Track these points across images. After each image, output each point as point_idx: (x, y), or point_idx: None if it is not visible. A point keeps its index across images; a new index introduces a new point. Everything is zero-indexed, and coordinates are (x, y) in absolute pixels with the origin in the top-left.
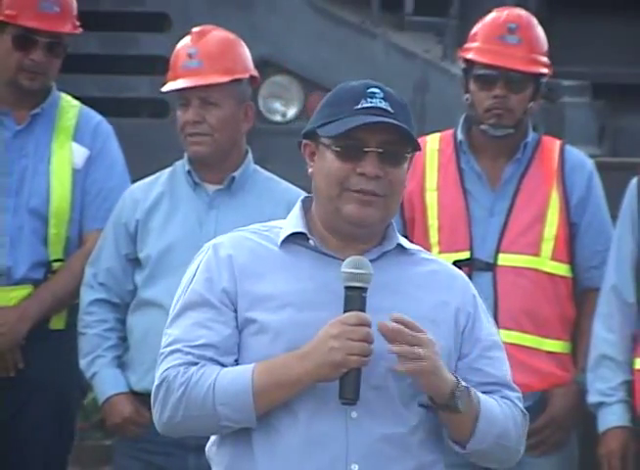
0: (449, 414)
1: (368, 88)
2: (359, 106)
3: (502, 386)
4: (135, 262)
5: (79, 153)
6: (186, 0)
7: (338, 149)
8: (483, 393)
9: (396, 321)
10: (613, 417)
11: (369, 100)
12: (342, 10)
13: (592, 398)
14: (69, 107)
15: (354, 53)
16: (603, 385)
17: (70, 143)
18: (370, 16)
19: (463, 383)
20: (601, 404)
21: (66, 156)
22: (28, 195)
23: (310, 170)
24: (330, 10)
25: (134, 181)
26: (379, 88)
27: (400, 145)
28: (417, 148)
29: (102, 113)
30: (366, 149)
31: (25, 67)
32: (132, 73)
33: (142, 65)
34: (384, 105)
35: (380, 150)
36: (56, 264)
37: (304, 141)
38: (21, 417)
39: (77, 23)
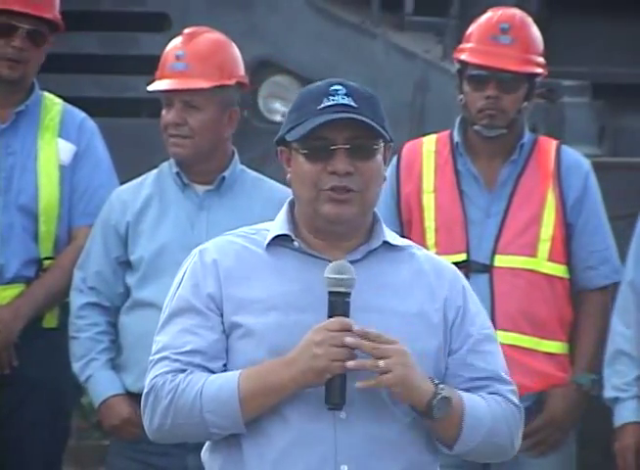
0: (429, 421)
1: (330, 86)
2: (322, 105)
3: (494, 380)
4: (125, 265)
5: (66, 149)
6: (186, 0)
7: (306, 151)
8: (475, 388)
9: (360, 334)
10: (627, 412)
11: (331, 98)
12: (343, 10)
13: (608, 392)
14: (53, 104)
15: (354, 53)
16: (619, 380)
17: (56, 139)
18: (370, 16)
19: (443, 392)
20: (616, 400)
21: (52, 152)
22: (17, 192)
23: (288, 176)
24: (330, 10)
25: (131, 180)
26: (341, 85)
27: (368, 138)
28: (386, 138)
29: (102, 113)
30: (333, 147)
31: (7, 54)
32: (132, 73)
33: (142, 65)
34: (346, 100)
35: (347, 146)
36: (47, 262)
37: (279, 148)
38: (16, 416)
39: (59, 16)
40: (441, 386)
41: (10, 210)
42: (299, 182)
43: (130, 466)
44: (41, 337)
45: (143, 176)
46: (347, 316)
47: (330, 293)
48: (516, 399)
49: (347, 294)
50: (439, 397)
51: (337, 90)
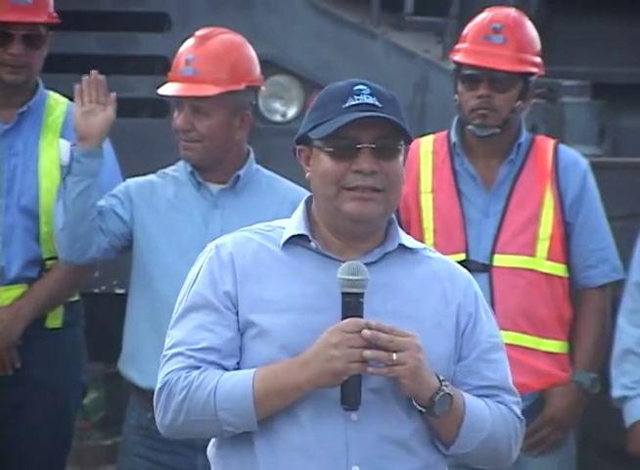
0: (430, 417)
1: (354, 86)
2: (347, 104)
3: (500, 389)
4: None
5: (67, 149)
6: (186, 0)
7: (330, 149)
8: (480, 396)
9: (375, 329)
10: (636, 410)
11: (356, 97)
12: (343, 10)
13: (616, 392)
14: (57, 104)
15: (354, 53)
16: (627, 379)
17: (58, 140)
18: (370, 16)
19: (447, 389)
20: (625, 398)
21: (54, 153)
22: (19, 193)
23: (308, 175)
24: (330, 10)
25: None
26: (365, 85)
27: (393, 138)
28: (409, 139)
29: None
30: (359, 145)
31: (5, 61)
32: (132, 73)
33: (142, 65)
34: (371, 100)
35: (373, 145)
36: (49, 263)
37: (298, 147)
38: (19, 416)
39: (54, 14)
40: (446, 383)
41: (12, 211)
42: (320, 180)
43: (140, 464)
44: (44, 337)
45: (159, 173)
46: (362, 317)
47: (344, 294)
48: (519, 412)
49: (361, 294)
50: (442, 393)
51: (361, 90)
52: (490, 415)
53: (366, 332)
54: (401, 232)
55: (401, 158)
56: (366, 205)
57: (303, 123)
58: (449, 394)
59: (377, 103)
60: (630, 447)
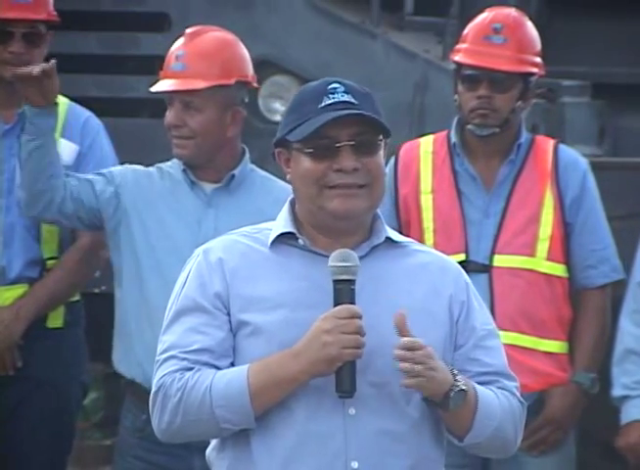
0: (444, 412)
1: (328, 85)
2: (322, 104)
3: (500, 375)
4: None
5: (68, 149)
6: (186, 0)
7: (310, 150)
8: (483, 383)
9: (399, 320)
10: (634, 410)
11: (331, 96)
12: (343, 10)
13: (616, 391)
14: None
15: (354, 53)
16: (628, 379)
17: (59, 140)
18: (370, 16)
19: (459, 383)
20: (625, 398)
21: None
22: None
23: (288, 177)
24: (330, 10)
25: None
26: (339, 83)
27: (371, 134)
28: (388, 134)
29: (102, 113)
30: (338, 144)
31: (6, 59)
32: (132, 73)
33: (142, 65)
34: (346, 98)
35: (352, 142)
36: (50, 263)
37: (277, 150)
38: (19, 416)
39: (53, 13)
40: (459, 377)
41: (12, 211)
42: (301, 181)
43: (136, 465)
44: (46, 337)
45: (154, 168)
46: (354, 303)
47: (335, 281)
48: (519, 396)
49: (352, 281)
50: (456, 389)
51: (335, 88)
52: (499, 403)
53: (400, 352)
54: (387, 227)
55: (382, 152)
56: (350, 201)
57: (281, 127)
58: (463, 389)
59: (352, 100)
60: (617, 442)
